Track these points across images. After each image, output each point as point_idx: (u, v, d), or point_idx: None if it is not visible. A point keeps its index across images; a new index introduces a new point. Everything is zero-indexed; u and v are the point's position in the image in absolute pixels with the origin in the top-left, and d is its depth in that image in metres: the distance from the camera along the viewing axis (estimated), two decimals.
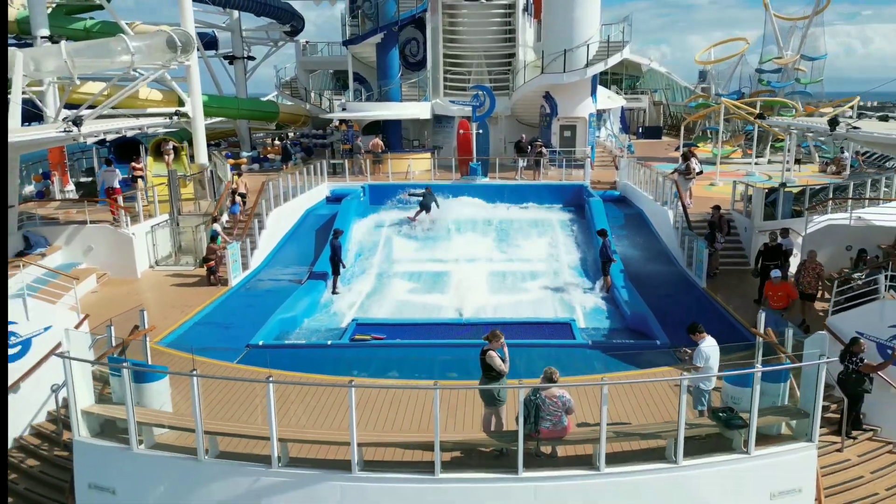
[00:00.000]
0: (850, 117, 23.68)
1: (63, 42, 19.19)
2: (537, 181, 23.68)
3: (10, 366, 10.57)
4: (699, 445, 8.48)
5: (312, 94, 36.12)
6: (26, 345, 10.62)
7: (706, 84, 43.14)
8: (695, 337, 8.91)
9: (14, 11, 25.43)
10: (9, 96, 20.94)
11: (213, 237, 16.24)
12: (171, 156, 20.71)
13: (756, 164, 26.44)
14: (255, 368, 10.94)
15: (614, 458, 8.14)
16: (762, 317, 10.00)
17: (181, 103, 24.12)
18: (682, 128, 28.75)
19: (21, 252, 14.86)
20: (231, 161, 25.42)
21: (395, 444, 8.41)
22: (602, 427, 7.90)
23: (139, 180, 19.90)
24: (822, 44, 30.34)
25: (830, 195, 17.64)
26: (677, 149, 28.91)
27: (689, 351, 9.04)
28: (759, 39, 32.08)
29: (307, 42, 36.26)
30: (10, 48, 19.59)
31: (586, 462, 8.16)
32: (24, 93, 19.71)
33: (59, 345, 10.85)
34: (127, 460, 8.43)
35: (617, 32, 27.60)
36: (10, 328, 10.54)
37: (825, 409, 10.56)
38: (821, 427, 10.20)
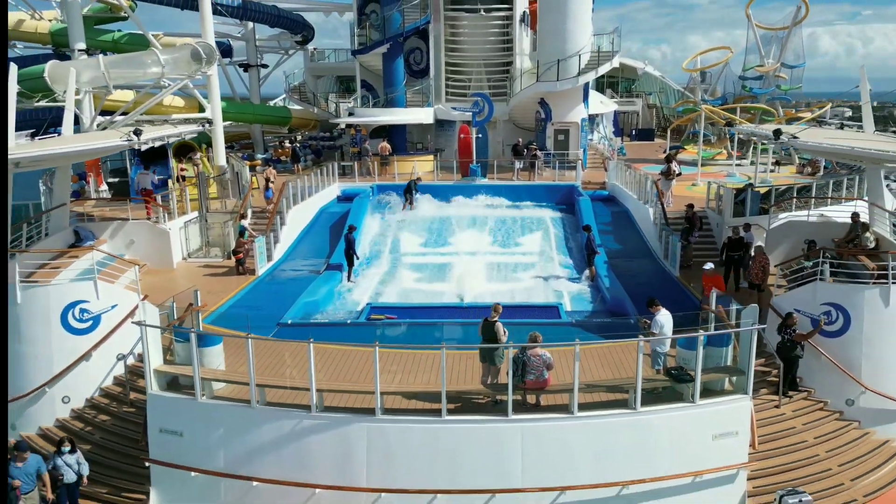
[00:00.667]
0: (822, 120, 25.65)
1: (101, 56, 21.25)
2: (532, 182, 25.73)
3: (82, 338, 12.66)
4: (656, 396, 10.55)
5: (321, 100, 38.22)
6: (97, 320, 12.67)
7: (701, 86, 45.14)
8: (652, 309, 10.99)
9: (47, 24, 27.50)
10: (39, 102, 23.11)
11: (242, 232, 18.31)
12: (200, 165, 22.70)
13: (738, 165, 28.47)
14: (287, 341, 12.95)
15: (585, 406, 10.19)
16: (713, 296, 12.06)
17: (201, 109, 26.27)
18: (669, 131, 30.79)
19: (72, 245, 16.86)
20: (247, 163, 27.46)
21: (410, 394, 10.47)
22: (575, 380, 9.96)
23: (184, 179, 21.94)
24: (802, 52, 32.38)
25: (794, 195, 19.67)
26: (665, 151, 30.96)
27: (648, 321, 11.10)
28: (742, 47, 34.09)
29: (315, 49, 38.29)
30: (59, 61, 21.73)
31: (563, 409, 10.21)
32: (57, 100, 21.87)
33: (125, 319, 12.94)
34: (192, 408, 10.47)
35: (608, 42, 29.65)
36: (84, 306, 12.61)
37: (767, 373, 12.61)
38: (762, 388, 12.36)
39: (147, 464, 10.66)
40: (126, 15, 27.74)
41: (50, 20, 28.76)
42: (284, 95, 42.95)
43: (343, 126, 31.91)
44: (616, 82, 52.11)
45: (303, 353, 11.10)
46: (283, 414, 10.19)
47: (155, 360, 10.73)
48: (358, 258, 18.41)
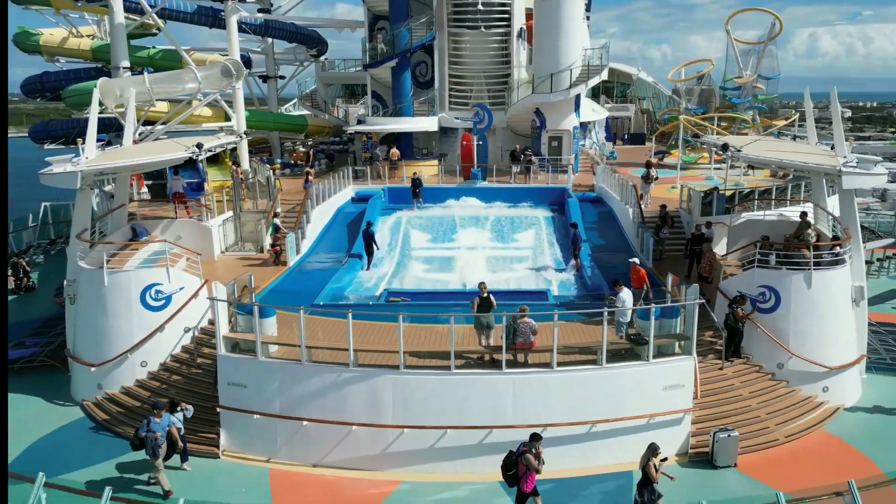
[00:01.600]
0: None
1: (146, 74, 24.18)
2: (527, 185, 28.64)
3: (157, 314, 15.55)
4: (619, 356, 13.47)
5: (333, 107, 41.23)
6: (168, 299, 15.58)
7: (685, 95, 48.08)
8: (616, 288, 13.93)
9: (89, 42, 30.44)
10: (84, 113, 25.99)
11: (276, 228, 21.24)
12: (239, 170, 25.60)
13: (717, 169, 31.33)
14: (321, 318, 15.84)
15: (563, 363, 13.11)
16: (669, 278, 15.00)
17: (227, 118, 29.25)
18: (654, 138, 33.66)
19: (131, 239, 19.73)
20: (268, 167, 30.33)
21: (425, 354, 13.39)
22: (554, 342, 12.88)
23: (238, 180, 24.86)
24: (777, 65, 35.31)
25: (755, 197, 22.57)
26: (650, 155, 33.90)
27: (614, 297, 14.04)
28: (722, 59, 37.03)
29: (325, 59, 41.22)
30: (108, 78, 24.65)
31: (545, 365, 13.13)
32: (107, 111, 24.84)
33: (190, 299, 15.86)
34: (254, 366, 13.41)
35: (598, 57, 32.53)
36: (158, 288, 15.52)
37: (714, 343, 15.51)
38: (710, 354, 15.27)
39: (218, 409, 13.60)
40: (156, 32, 30.78)
41: (88, 36, 31.71)
42: (295, 100, 46.04)
43: (352, 132, 34.84)
44: (612, 87, 55.24)
45: (335, 325, 13.98)
46: (326, 369, 13.11)
47: (224, 329, 13.67)
48: (377, 247, 21.33)
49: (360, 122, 33.43)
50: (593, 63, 32.30)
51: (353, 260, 21.10)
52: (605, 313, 13.09)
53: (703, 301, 14.29)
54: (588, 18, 60.50)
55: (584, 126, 36.26)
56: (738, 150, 16.26)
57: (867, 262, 25.64)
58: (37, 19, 31.99)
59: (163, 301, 15.53)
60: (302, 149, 37.35)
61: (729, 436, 12.91)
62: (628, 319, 13.99)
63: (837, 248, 15.69)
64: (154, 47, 30.42)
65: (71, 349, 16.40)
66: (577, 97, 32.08)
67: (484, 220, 25.15)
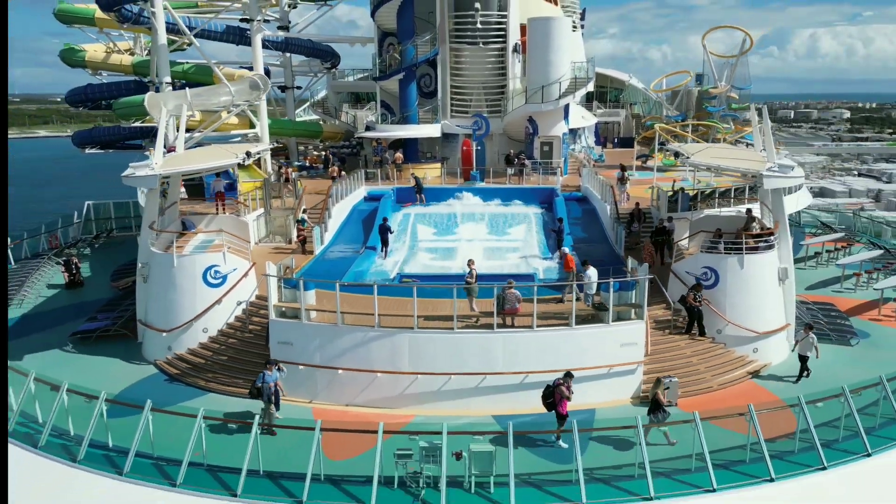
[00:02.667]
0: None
1: (188, 89, 27.94)
2: (520, 185, 32.40)
3: (215, 290, 19.30)
4: (586, 320, 17.23)
5: (341, 113, 45.10)
6: (224, 278, 19.35)
7: (666, 104, 51.90)
8: (584, 267, 17.72)
9: (130, 58, 34.25)
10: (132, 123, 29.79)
11: (302, 222, 25.02)
12: (273, 174, 29.41)
13: (692, 171, 35.03)
14: (347, 294, 19.56)
15: (541, 326, 16.88)
16: (629, 261, 18.79)
17: (251, 125, 33.03)
18: (636, 142, 37.45)
19: (182, 232, 23.46)
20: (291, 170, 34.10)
21: (433, 318, 17.17)
22: (534, 307, 16.65)
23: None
24: (748, 76, 39.09)
25: (716, 196, 26.36)
26: (638, 157, 37.59)
27: (582, 274, 17.84)
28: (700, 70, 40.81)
29: (336, 69, 45.03)
30: (154, 92, 28.43)
31: (527, 327, 16.89)
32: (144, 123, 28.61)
33: (242, 278, 19.63)
34: (299, 328, 17.19)
35: (583, 71, 36.31)
36: (216, 268, 19.27)
37: (675, 320, 19.17)
38: (670, 332, 18.97)
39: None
40: (186, 47, 34.65)
41: (126, 50, 35.53)
42: (306, 105, 49.93)
43: (358, 136, 38.62)
44: (605, 93, 59.19)
45: (359, 299, 17.74)
46: (356, 330, 16.88)
47: (274, 299, 17.45)
48: (392, 232, 25.05)
49: (368, 128, 37.26)
50: (580, 76, 36.13)
51: (369, 251, 24.88)
52: (575, 285, 16.87)
53: (654, 277, 18.08)
54: (582, 27, 65.09)
55: (573, 132, 40.05)
56: (688, 157, 20.05)
57: (817, 254, 29.54)
58: (77, 35, 35.85)
59: (220, 279, 19.32)
60: (315, 152, 41.18)
61: (671, 380, 16.67)
62: (594, 291, 17.77)
63: (767, 236, 19.48)
64: (187, 62, 34.12)
65: (143, 319, 20.19)
66: (566, 106, 35.83)
67: (481, 216, 28.91)
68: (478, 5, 34.84)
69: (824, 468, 13.80)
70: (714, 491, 13.11)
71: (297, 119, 42.64)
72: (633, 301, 17.56)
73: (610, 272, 17.48)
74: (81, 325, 21.54)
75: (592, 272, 17.85)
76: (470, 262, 18.01)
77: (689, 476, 13.57)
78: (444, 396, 16.65)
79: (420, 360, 16.65)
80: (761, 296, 19.05)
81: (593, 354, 16.90)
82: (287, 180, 29.64)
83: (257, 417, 14.01)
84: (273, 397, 15.55)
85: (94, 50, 34.44)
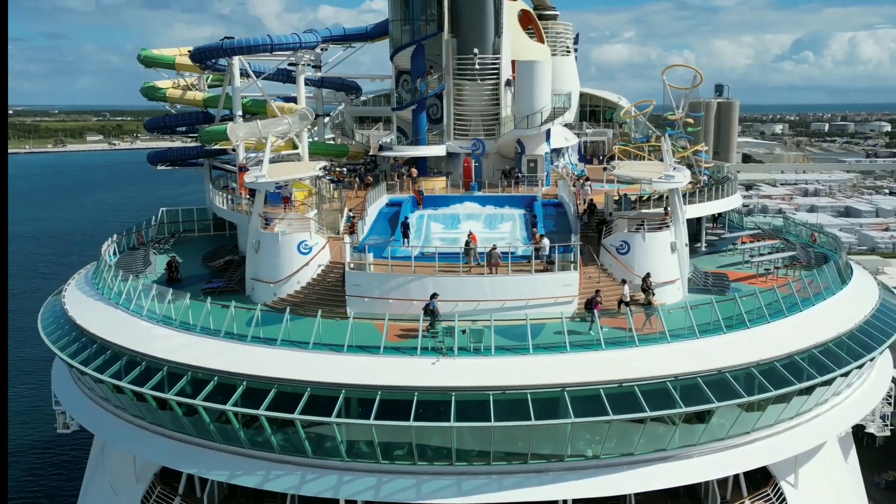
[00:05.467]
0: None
1: (258, 121, 43.28)
2: (510, 193, 47.67)
3: (305, 256, 34.44)
4: (542, 271, 32.41)
5: (357, 133, 60.83)
6: (310, 249, 34.48)
7: (634, 128, 67.68)
8: (541, 239, 33.06)
9: (202, 94, 49.81)
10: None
11: (350, 219, 40.21)
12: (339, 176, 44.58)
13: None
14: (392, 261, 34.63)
15: (514, 273, 32.06)
16: (573, 237, 34.05)
17: (294, 147, 48.44)
18: (606, 160, 52.82)
19: (266, 222, 38.34)
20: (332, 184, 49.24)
21: (447, 270, 32.38)
22: (509, 262, 31.87)
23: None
24: (702, 105, 54.63)
25: (653, 200, 41.54)
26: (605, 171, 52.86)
27: (540, 245, 33.19)
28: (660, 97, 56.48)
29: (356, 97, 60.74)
30: (235, 123, 43.82)
31: (504, 274, 32.05)
32: (227, 148, 43.99)
33: (322, 248, 34.87)
34: (364, 275, 32.40)
35: (561, 101, 51.90)
36: (306, 242, 34.41)
37: (596, 269, 34.41)
38: (599, 282, 34.43)
39: (347, 296, 32.42)
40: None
41: (193, 84, 51.14)
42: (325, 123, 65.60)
43: (376, 154, 54.10)
44: (599, 112, 75.78)
45: (396, 266, 32.87)
46: (400, 276, 31.99)
47: (348, 258, 32.62)
48: (410, 226, 40.20)
49: (383, 148, 52.72)
50: (558, 105, 51.74)
51: (395, 242, 40.04)
52: (534, 249, 32.13)
53: (587, 246, 33.31)
54: (576, 51, 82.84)
55: (557, 151, 55.70)
56: (613, 168, 35.44)
57: (733, 244, 44.99)
58: (150, 73, 51.47)
59: (308, 250, 34.42)
60: (338, 168, 56.58)
61: (597, 293, 31.66)
62: (547, 253, 32.91)
63: (661, 221, 34.71)
64: (245, 97, 49.55)
65: (254, 276, 35.16)
66: (548, 131, 51.34)
67: (479, 216, 44.13)
68: (476, 50, 50.47)
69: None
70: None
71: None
72: (571, 259, 32.70)
73: (556, 244, 32.73)
74: (205, 285, 36.57)
75: (546, 241, 33.04)
76: (471, 234, 33.21)
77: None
78: (453, 315, 31.65)
79: (439, 293, 31.63)
80: (658, 259, 34.23)
81: (546, 290, 31.95)
82: (339, 181, 45.12)
83: (319, 312, 29.18)
84: (435, 312, 30.21)
85: (172, 88, 50.00)
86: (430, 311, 29.74)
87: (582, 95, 78.42)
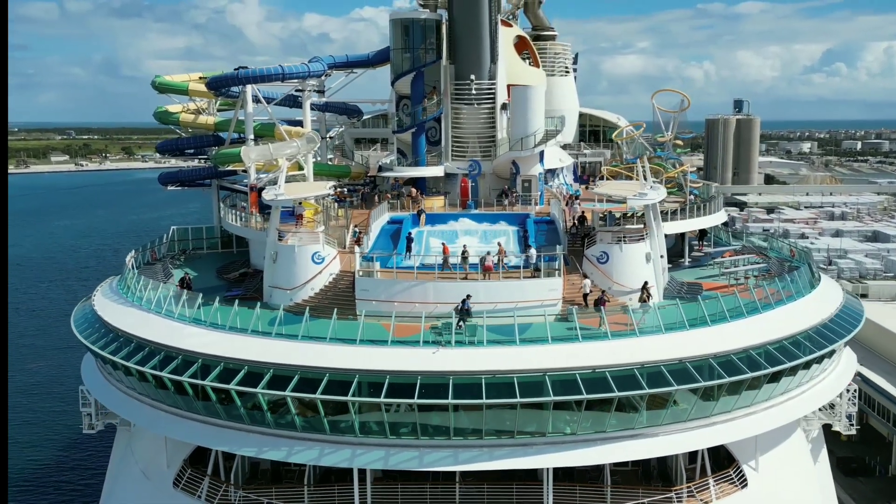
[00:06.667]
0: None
1: (270, 144, 52.00)
2: (504, 211, 56.25)
3: (318, 265, 42.89)
4: (530, 277, 40.90)
5: (356, 154, 69.71)
6: (323, 259, 42.95)
7: (625, 150, 76.50)
8: (531, 249, 41.64)
9: (213, 119, 58.65)
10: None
11: (356, 233, 48.71)
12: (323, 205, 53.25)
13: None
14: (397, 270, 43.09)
15: (505, 279, 40.56)
16: (558, 248, 42.63)
17: (300, 168, 57.17)
18: (597, 180, 61.50)
19: (280, 237, 46.77)
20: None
21: (445, 277, 40.90)
22: (500, 270, 40.39)
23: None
24: (687, 129, 63.60)
25: (636, 217, 50.10)
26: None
27: (529, 255, 41.79)
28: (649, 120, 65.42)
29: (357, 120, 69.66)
30: (247, 146, 52.59)
31: (496, 279, 40.56)
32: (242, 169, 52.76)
33: (333, 258, 43.42)
34: (371, 281, 40.90)
35: (553, 124, 60.72)
36: (319, 253, 42.91)
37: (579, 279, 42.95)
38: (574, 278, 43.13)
39: (357, 300, 40.82)
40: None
41: (203, 109, 60.00)
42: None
43: (377, 175, 62.81)
44: (599, 132, 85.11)
45: (400, 273, 41.41)
46: (404, 282, 40.43)
47: (357, 266, 41.11)
48: (412, 238, 48.75)
49: (382, 168, 61.47)
50: (551, 128, 60.54)
51: (399, 255, 48.55)
52: (524, 259, 40.63)
53: (569, 255, 41.84)
54: (575, 71, 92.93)
55: (552, 171, 64.52)
56: (594, 186, 44.10)
57: (714, 259, 53.59)
58: (162, 97, 60.33)
59: (321, 260, 42.89)
60: (338, 188, 65.24)
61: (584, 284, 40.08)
62: (534, 262, 41.39)
63: (637, 233, 43.26)
64: (255, 121, 58.32)
65: (272, 284, 43.55)
66: (541, 153, 60.08)
67: (475, 232, 52.67)
68: (473, 76, 59.42)
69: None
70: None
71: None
72: (556, 267, 41.17)
73: (542, 253, 41.27)
74: (226, 293, 44.95)
75: (533, 252, 41.54)
76: (465, 247, 41.73)
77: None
78: (450, 315, 40.01)
79: (438, 296, 39.99)
80: (634, 268, 42.71)
81: (533, 294, 40.37)
82: (341, 200, 53.81)
83: (335, 311, 37.63)
84: (469, 311, 38.41)
85: (184, 113, 58.84)
86: (465, 311, 38.01)
87: (582, 116, 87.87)
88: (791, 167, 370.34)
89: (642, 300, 41.34)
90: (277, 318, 38.49)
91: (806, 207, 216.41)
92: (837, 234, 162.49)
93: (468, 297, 38.61)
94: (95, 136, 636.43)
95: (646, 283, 42.03)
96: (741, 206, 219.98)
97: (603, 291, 40.37)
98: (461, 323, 37.61)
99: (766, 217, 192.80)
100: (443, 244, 43.78)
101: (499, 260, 41.30)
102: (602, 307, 38.86)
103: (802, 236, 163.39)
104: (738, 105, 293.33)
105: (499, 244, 43.80)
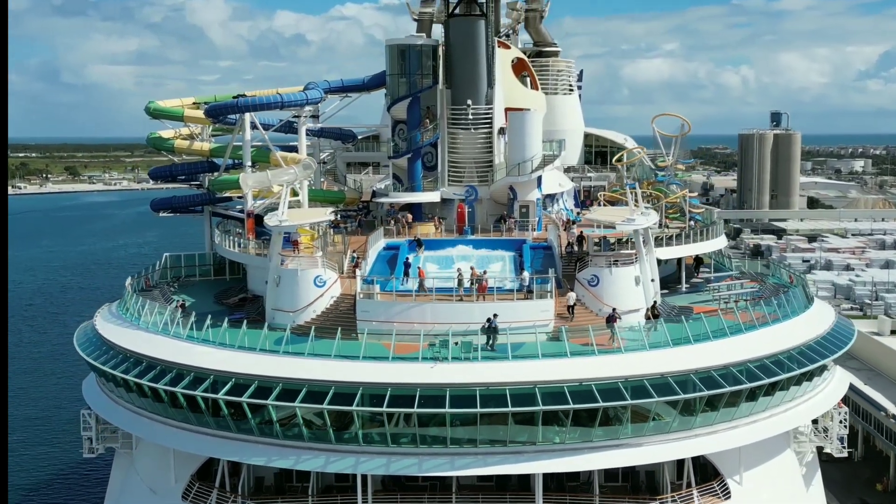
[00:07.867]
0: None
1: (268, 171, 61.95)
2: (501, 237, 66.05)
3: (320, 289, 52.60)
4: (523, 298, 50.69)
5: (349, 179, 79.87)
6: (324, 282, 52.60)
7: (625, 174, 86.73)
8: (524, 272, 51.60)
9: (208, 145, 68.67)
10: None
11: (354, 259, 58.44)
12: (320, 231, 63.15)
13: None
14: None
15: (500, 300, 50.40)
16: (551, 271, 52.49)
17: (295, 193, 67.15)
18: (598, 204, 71.50)
19: (281, 262, 56.42)
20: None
21: (442, 300, 50.75)
22: (495, 291, 50.24)
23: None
24: (687, 153, 73.67)
25: (629, 241, 59.96)
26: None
27: (521, 277, 51.69)
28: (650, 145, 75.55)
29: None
30: (246, 173, 62.59)
31: (490, 301, 50.37)
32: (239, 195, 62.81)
33: (334, 282, 53.28)
34: (372, 303, 50.64)
35: (550, 149, 70.78)
36: (321, 276, 52.70)
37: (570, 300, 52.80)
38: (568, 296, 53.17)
39: (358, 320, 50.52)
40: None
41: (197, 134, 70.04)
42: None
43: (369, 200, 72.87)
44: (606, 153, 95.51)
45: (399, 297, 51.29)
46: (403, 303, 50.15)
47: (358, 289, 50.90)
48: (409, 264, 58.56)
49: (376, 193, 71.51)
50: (548, 153, 70.59)
51: (397, 279, 58.25)
52: (518, 282, 50.49)
53: (559, 276, 51.72)
54: (580, 88, 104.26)
55: (551, 196, 74.53)
56: (588, 212, 54.13)
57: (709, 283, 63.56)
58: (155, 123, 70.35)
59: (322, 283, 52.57)
60: (332, 215, 75.12)
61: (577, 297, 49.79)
62: (527, 284, 51.18)
63: (627, 257, 53.12)
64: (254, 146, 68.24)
65: (275, 306, 53.15)
66: (539, 178, 70.05)
67: (471, 257, 62.39)
68: (469, 101, 69.61)
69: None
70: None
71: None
72: (549, 289, 50.93)
73: (535, 276, 51.12)
74: (229, 316, 54.62)
75: (526, 274, 51.40)
76: (458, 269, 51.59)
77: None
78: (447, 334, 49.61)
79: (436, 316, 49.59)
80: (623, 290, 52.46)
81: (527, 314, 50.03)
82: (337, 226, 63.74)
83: (339, 330, 47.41)
84: (496, 329, 47.89)
85: (179, 139, 68.82)
86: (492, 329, 47.30)
87: (588, 136, 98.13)
88: (839, 189, 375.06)
89: (648, 318, 51.18)
90: (284, 337, 48.06)
91: (854, 235, 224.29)
92: (887, 265, 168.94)
93: (495, 315, 47.96)
94: (34, 154, 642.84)
95: (655, 302, 51.90)
96: (779, 233, 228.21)
97: (614, 309, 49.85)
98: (490, 343, 46.84)
99: (806, 246, 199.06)
100: (419, 269, 54.19)
101: (474, 281, 51.21)
102: (613, 324, 48.44)
103: (847, 268, 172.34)
104: (776, 118, 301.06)
105: (471, 268, 53.59)
